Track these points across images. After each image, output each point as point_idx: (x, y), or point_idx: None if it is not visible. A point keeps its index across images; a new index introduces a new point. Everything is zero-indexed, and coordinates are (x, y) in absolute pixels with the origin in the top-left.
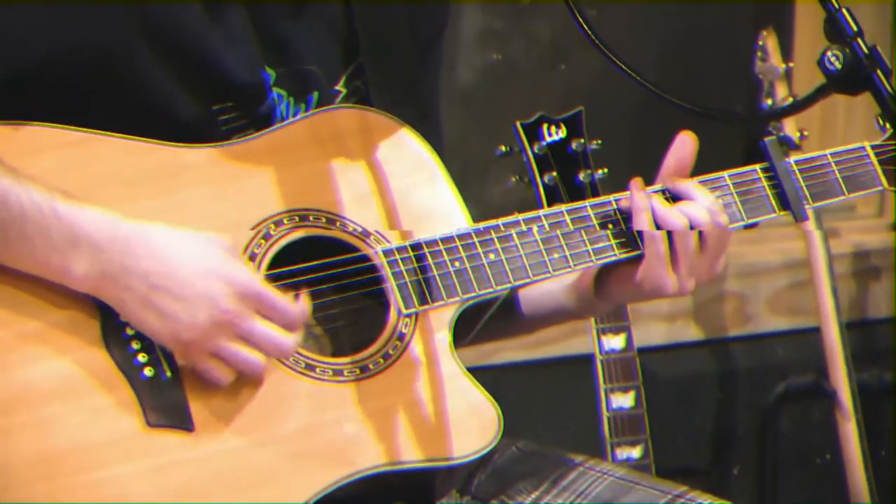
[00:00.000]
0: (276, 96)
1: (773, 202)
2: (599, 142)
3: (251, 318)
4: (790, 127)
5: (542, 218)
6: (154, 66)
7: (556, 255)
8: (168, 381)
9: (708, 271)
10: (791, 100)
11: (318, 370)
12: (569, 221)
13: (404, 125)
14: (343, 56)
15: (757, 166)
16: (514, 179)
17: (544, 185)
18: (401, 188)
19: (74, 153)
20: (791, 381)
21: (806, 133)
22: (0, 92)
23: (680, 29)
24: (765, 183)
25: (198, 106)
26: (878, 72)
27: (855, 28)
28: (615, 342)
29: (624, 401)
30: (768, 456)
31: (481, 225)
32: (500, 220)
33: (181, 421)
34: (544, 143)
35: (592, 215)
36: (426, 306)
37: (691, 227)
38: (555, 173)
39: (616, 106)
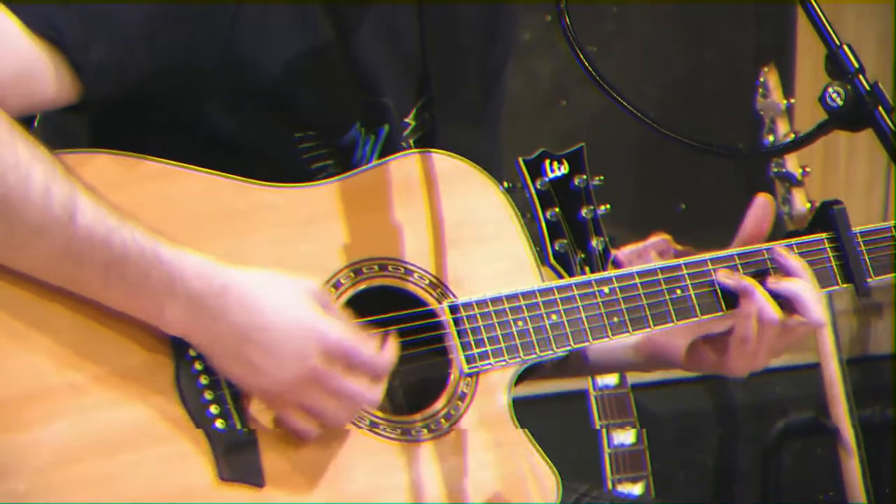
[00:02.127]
0: (355, 127)
1: (837, 274)
2: (602, 178)
3: (339, 375)
4: (792, 163)
5: (614, 280)
6: (240, 93)
7: (615, 320)
8: (242, 434)
9: (781, 352)
10: (793, 136)
11: (383, 428)
12: (638, 284)
13: (482, 171)
14: (415, 90)
15: (824, 235)
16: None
17: (546, 220)
18: (474, 239)
19: (155, 187)
20: (791, 418)
21: (808, 169)
22: (98, 112)
23: (681, 65)
24: (830, 254)
25: (281, 133)
26: (880, 108)
27: (856, 65)
28: (609, 378)
29: (625, 437)
30: (771, 493)
31: (547, 284)
32: (573, 280)
33: (253, 476)
34: (546, 179)
35: (662, 280)
36: (488, 367)
37: (788, 315)
38: (557, 209)
39: (618, 142)
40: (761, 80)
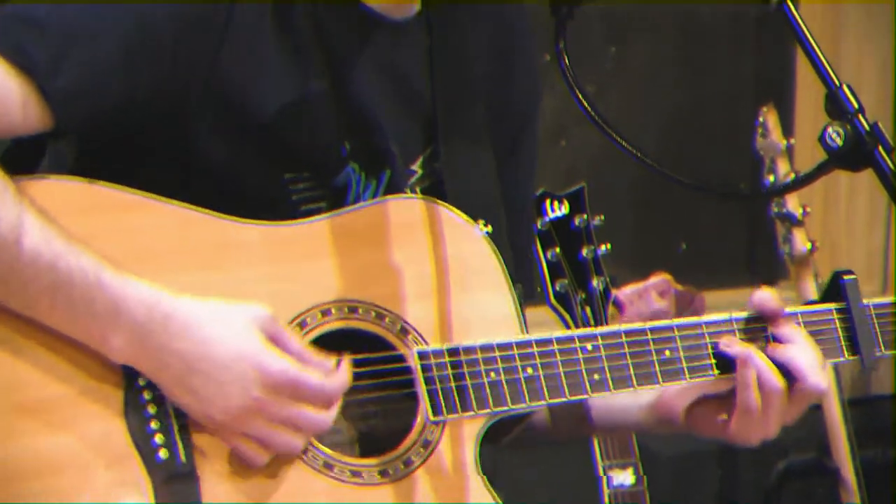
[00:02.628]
0: (349, 170)
1: (844, 346)
2: (602, 217)
3: (285, 403)
4: (793, 203)
5: (599, 337)
6: (227, 126)
7: (596, 377)
8: (182, 465)
9: (790, 420)
10: (793, 176)
11: (336, 469)
12: (625, 343)
13: (475, 223)
14: (423, 136)
15: (832, 306)
16: None
17: (547, 261)
18: (458, 288)
19: (128, 217)
20: (793, 459)
21: (809, 209)
22: (74, 139)
23: (680, 105)
24: (838, 325)
25: (270, 173)
26: (880, 148)
27: (856, 105)
28: None
29: (624, 478)
30: None
31: (525, 337)
32: (554, 335)
33: None
34: (547, 219)
35: (651, 340)
36: (455, 416)
37: (790, 385)
38: (558, 249)
39: (618, 182)
40: (761, 120)
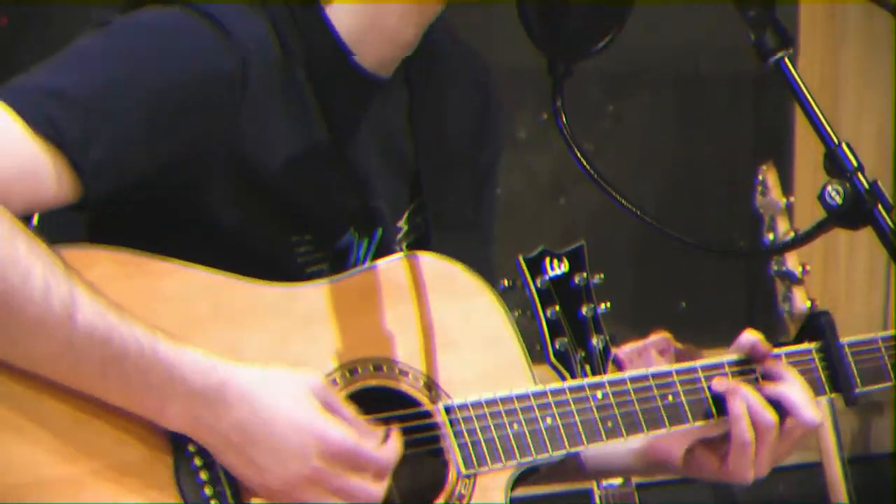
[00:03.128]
0: (348, 231)
1: (826, 383)
2: (602, 276)
3: (342, 474)
4: (792, 261)
5: (606, 385)
6: (241, 190)
7: (609, 424)
8: None
9: (783, 456)
10: (792, 234)
11: None
12: (630, 390)
13: (472, 273)
14: (408, 193)
15: (812, 345)
16: (517, 313)
17: (547, 319)
18: (466, 342)
19: (161, 284)
20: None
21: (808, 267)
22: (97, 211)
23: (679, 163)
24: (818, 364)
25: (278, 236)
26: (879, 206)
27: (855, 163)
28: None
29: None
30: None
31: (541, 387)
32: (566, 384)
33: None
34: (547, 278)
35: (654, 386)
36: (485, 468)
37: (781, 420)
38: (557, 307)
39: (617, 240)
40: (760, 178)
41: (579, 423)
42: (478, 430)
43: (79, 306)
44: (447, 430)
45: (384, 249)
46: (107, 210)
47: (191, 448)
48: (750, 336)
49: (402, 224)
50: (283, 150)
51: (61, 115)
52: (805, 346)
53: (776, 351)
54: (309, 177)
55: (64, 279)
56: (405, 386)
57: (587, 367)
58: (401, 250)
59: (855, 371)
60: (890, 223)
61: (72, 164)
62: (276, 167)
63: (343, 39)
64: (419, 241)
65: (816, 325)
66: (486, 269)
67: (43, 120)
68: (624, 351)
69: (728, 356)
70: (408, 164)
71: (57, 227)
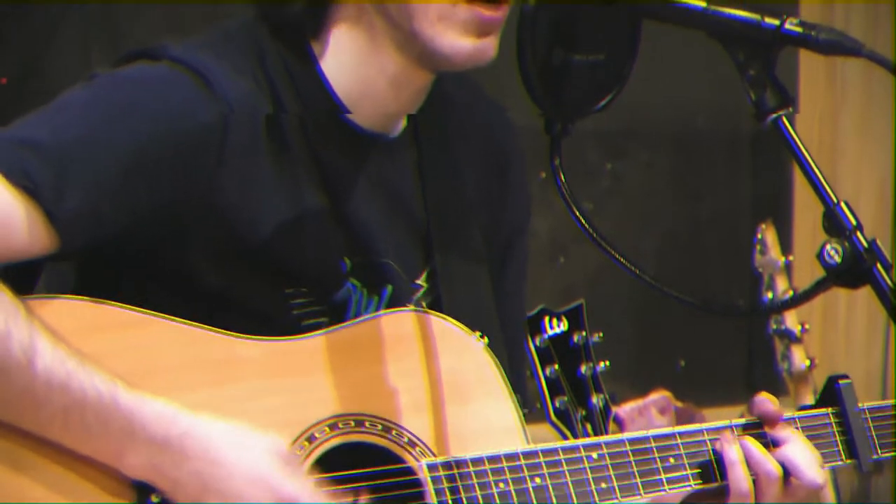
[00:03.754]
0: (350, 286)
1: (842, 449)
2: (601, 334)
3: None
4: (791, 320)
5: (603, 446)
6: (225, 247)
7: (603, 486)
8: None
9: None
10: (791, 293)
11: None
12: (629, 452)
13: (473, 334)
14: (423, 252)
15: (829, 410)
16: None
17: (546, 378)
18: (460, 399)
19: (133, 335)
20: None
21: (807, 326)
22: (79, 263)
23: (678, 221)
24: (835, 429)
25: (270, 289)
26: (878, 265)
27: (854, 222)
28: None
29: None
30: None
31: (532, 447)
32: (559, 444)
33: None
34: (546, 337)
35: (655, 448)
36: None
37: (786, 478)
38: (557, 366)
39: (616, 299)
40: (759, 236)
41: (570, 484)
42: (460, 489)
43: (38, 352)
44: (428, 488)
45: (396, 306)
46: (90, 262)
47: (154, 498)
48: (762, 398)
49: (422, 282)
50: (269, 206)
51: (36, 166)
52: (821, 410)
53: (794, 414)
54: (299, 234)
55: (25, 325)
56: (388, 442)
57: (588, 426)
58: (418, 307)
59: (875, 437)
60: (889, 282)
61: (46, 214)
62: (261, 223)
63: (339, 97)
64: (439, 301)
65: (834, 390)
66: (502, 327)
67: (17, 170)
68: (624, 409)
69: (736, 420)
70: (420, 223)
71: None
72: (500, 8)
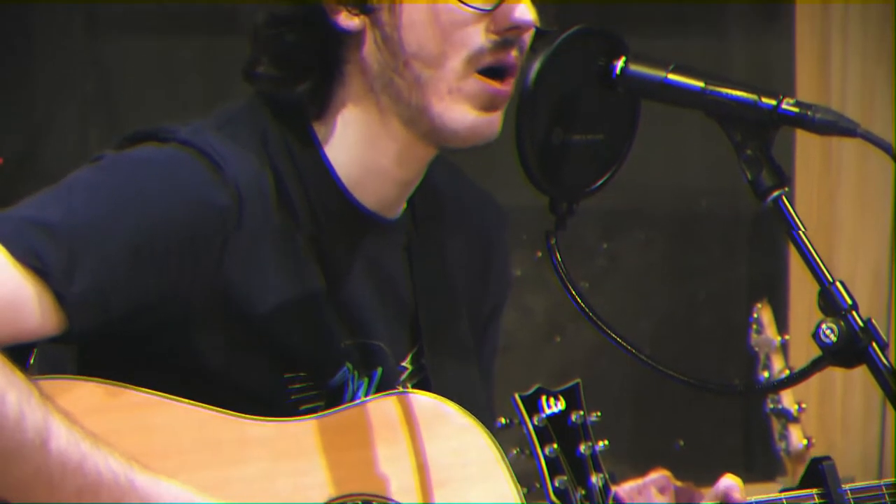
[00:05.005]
0: (344, 370)
1: None
2: (599, 414)
3: None
4: (788, 399)
5: None
6: (229, 329)
7: None
8: None
9: None
10: (788, 372)
11: None
12: None
13: (465, 412)
14: (410, 335)
15: (814, 491)
16: (515, 452)
17: (545, 457)
18: (460, 480)
19: (145, 416)
20: None
21: (804, 406)
22: (83, 344)
23: (675, 301)
24: None
25: (270, 373)
26: (874, 345)
27: (849, 301)
28: None
29: None
30: None
31: None
32: None
33: None
34: (544, 416)
35: None
36: None
37: None
38: (556, 445)
39: (614, 377)
40: (755, 316)
41: None
42: None
43: (53, 434)
44: None
45: (385, 389)
46: (95, 344)
47: None
48: (728, 482)
49: (407, 364)
50: (274, 290)
51: (46, 247)
52: (806, 491)
53: (780, 496)
54: (301, 317)
55: (39, 407)
56: None
57: None
58: (404, 389)
59: None
60: (885, 361)
61: (55, 295)
62: (266, 307)
63: (342, 180)
64: (425, 382)
65: (818, 471)
66: (486, 411)
67: (28, 251)
68: (624, 489)
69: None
70: (408, 306)
71: (45, 359)
72: (507, 82)
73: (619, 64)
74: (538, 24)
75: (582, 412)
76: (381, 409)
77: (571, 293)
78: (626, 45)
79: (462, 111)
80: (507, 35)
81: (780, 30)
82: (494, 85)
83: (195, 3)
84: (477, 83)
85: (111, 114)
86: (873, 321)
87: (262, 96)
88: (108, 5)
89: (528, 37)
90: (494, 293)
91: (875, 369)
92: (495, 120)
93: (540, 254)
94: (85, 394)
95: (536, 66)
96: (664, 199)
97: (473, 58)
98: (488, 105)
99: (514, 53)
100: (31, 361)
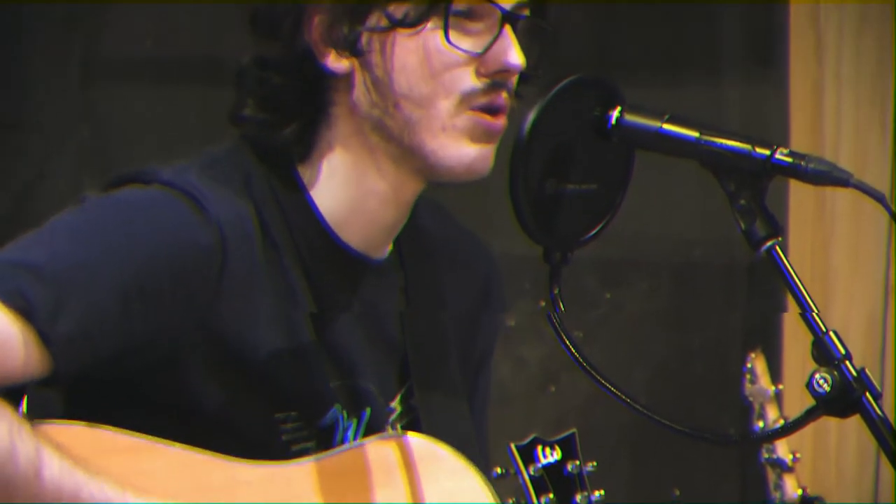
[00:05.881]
0: (334, 410)
1: None
2: (595, 463)
3: None
4: (783, 449)
5: None
6: (221, 369)
7: None
8: None
9: None
10: (782, 422)
11: None
12: None
13: (460, 456)
14: (398, 376)
15: None
16: (511, 501)
17: None
18: None
19: (135, 460)
20: None
21: (798, 455)
22: (69, 385)
23: (669, 350)
24: None
25: (262, 414)
26: (868, 395)
27: (843, 351)
28: None
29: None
30: None
31: None
32: None
33: None
34: (539, 465)
35: None
36: None
37: None
38: (552, 495)
39: (609, 427)
40: (749, 365)
41: None
42: None
43: (45, 464)
44: None
45: (373, 429)
46: (83, 387)
47: None
48: None
49: (396, 405)
50: (264, 331)
51: (32, 288)
52: None
53: None
54: (291, 358)
55: (29, 438)
56: None
57: None
58: (394, 430)
59: None
60: (878, 411)
61: (41, 337)
62: (257, 348)
63: (328, 222)
64: (414, 422)
65: None
66: (477, 452)
67: (13, 292)
68: None
69: None
70: (398, 347)
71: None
72: (500, 117)
73: (615, 114)
74: (525, 68)
75: (578, 462)
76: (376, 451)
77: (565, 343)
78: (621, 95)
79: (458, 146)
80: (497, 78)
81: (775, 76)
82: (487, 119)
83: (191, 52)
84: (470, 118)
85: (106, 162)
86: (867, 371)
87: (246, 139)
88: (104, 54)
89: (514, 79)
90: (487, 334)
91: (869, 419)
92: (488, 154)
93: (543, 303)
94: (74, 438)
95: (532, 116)
96: (658, 249)
97: (465, 99)
98: (484, 138)
99: (503, 95)
100: (24, 409)
